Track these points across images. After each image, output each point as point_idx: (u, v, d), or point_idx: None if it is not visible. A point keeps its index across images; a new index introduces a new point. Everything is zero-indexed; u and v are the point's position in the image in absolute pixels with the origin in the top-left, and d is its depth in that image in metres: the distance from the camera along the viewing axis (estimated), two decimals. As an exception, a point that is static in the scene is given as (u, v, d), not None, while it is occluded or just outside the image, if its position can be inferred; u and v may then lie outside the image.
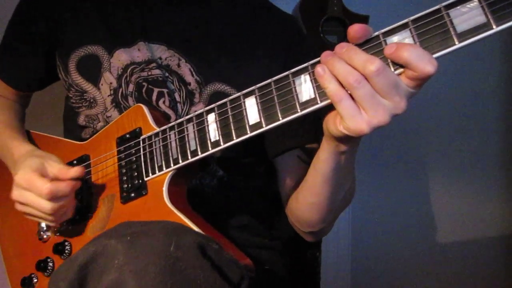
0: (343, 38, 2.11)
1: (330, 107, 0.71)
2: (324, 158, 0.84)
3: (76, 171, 0.93)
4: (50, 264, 1.01)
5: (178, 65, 1.06)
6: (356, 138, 0.74)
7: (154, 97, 1.04)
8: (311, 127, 1.08)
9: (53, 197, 0.88)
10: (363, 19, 2.13)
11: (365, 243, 2.36)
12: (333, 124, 0.72)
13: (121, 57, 1.05)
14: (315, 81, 0.71)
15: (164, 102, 1.04)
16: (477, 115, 2.48)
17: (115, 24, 1.08)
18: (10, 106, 1.21)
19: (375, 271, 2.38)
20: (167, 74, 1.05)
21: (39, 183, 0.88)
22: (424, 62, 0.62)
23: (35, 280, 1.04)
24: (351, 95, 0.66)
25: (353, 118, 0.67)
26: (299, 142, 1.07)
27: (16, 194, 0.91)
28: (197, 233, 0.76)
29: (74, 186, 0.92)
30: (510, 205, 2.49)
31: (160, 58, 1.06)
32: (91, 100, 1.08)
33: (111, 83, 1.05)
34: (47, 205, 0.89)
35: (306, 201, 0.98)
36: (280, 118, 0.73)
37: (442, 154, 2.48)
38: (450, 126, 2.47)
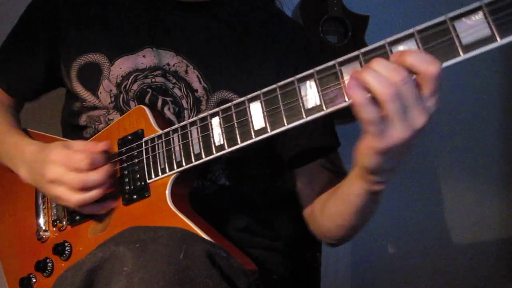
0: (343, 38, 2.11)
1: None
2: (358, 193, 0.85)
3: (106, 143, 0.92)
4: (49, 264, 1.00)
5: (186, 72, 1.05)
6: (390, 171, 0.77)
7: (159, 103, 1.04)
8: (332, 132, 1.12)
9: (93, 166, 0.88)
10: (363, 19, 2.13)
11: (365, 243, 2.36)
12: (366, 150, 0.72)
13: (123, 64, 1.05)
14: (320, 88, 0.71)
15: (169, 109, 1.04)
16: (477, 116, 2.49)
17: (119, 31, 1.08)
18: (8, 109, 1.20)
19: (375, 271, 2.39)
20: (174, 80, 1.05)
21: (77, 156, 0.88)
22: (426, 63, 0.63)
23: (34, 281, 1.03)
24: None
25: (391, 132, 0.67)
26: (323, 153, 1.09)
27: (51, 172, 0.89)
28: (206, 240, 0.76)
29: (107, 167, 0.91)
30: (510, 206, 2.50)
31: (168, 64, 1.05)
32: (93, 107, 1.08)
33: (111, 90, 1.05)
34: (77, 178, 0.87)
35: (333, 221, 0.99)
36: (286, 124, 0.74)
37: (442, 154, 2.48)
38: (451, 127, 2.47)
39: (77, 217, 1.00)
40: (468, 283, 2.48)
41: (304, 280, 1.39)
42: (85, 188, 0.88)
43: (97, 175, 0.88)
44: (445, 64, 0.62)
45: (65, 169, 0.88)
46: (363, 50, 0.68)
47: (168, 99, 1.05)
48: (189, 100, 1.05)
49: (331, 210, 0.98)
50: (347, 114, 2.15)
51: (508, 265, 2.48)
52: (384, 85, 0.64)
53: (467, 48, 0.60)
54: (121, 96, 1.05)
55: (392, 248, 2.42)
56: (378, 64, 0.65)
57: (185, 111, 1.05)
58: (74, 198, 0.89)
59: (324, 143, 1.10)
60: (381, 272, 2.40)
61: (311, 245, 1.44)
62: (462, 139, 2.48)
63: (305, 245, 1.41)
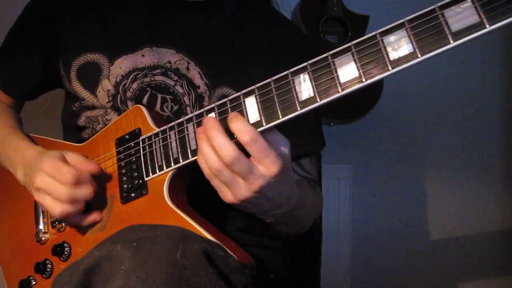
0: (343, 38, 2.12)
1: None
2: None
3: (95, 166, 0.94)
4: (49, 266, 1.00)
5: (187, 69, 1.07)
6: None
7: (158, 102, 1.05)
8: (318, 135, 1.15)
9: (76, 183, 0.89)
10: (363, 19, 2.14)
11: (365, 243, 2.36)
12: None
13: (123, 64, 1.06)
14: (314, 80, 0.72)
15: (167, 107, 1.05)
16: (476, 114, 2.50)
17: (119, 31, 1.09)
18: (10, 111, 1.22)
19: (375, 271, 2.39)
20: (176, 78, 1.06)
21: (65, 169, 0.89)
22: (240, 132, 0.74)
23: (34, 283, 1.03)
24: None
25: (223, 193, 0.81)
26: (298, 154, 1.13)
27: (39, 180, 0.91)
28: (203, 239, 0.76)
29: (93, 184, 0.93)
30: (508, 204, 2.50)
31: (169, 62, 1.07)
32: (91, 106, 1.09)
33: (108, 90, 1.06)
34: (65, 191, 0.89)
35: None
36: (280, 117, 0.75)
37: (442, 154, 2.48)
38: (449, 125, 2.48)
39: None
40: (468, 282, 2.48)
41: (304, 280, 1.39)
42: (72, 202, 0.90)
43: (86, 190, 0.90)
44: (437, 51, 0.62)
45: (53, 180, 0.89)
46: (355, 41, 0.68)
47: (168, 97, 1.06)
48: (191, 97, 1.06)
49: None
50: (346, 114, 2.16)
51: (508, 264, 2.48)
52: (209, 164, 0.77)
53: (456, 35, 0.61)
54: (119, 96, 1.06)
55: (392, 248, 2.42)
56: (212, 139, 0.76)
57: (188, 107, 1.06)
58: (57, 209, 0.90)
59: (308, 145, 1.16)
60: (381, 272, 2.40)
61: (311, 245, 1.43)
62: (461, 139, 2.49)
63: (304, 245, 1.41)
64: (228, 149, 0.75)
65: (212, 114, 0.83)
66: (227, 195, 0.81)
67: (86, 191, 0.90)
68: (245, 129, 0.74)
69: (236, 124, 0.75)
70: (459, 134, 2.48)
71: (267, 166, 0.75)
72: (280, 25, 1.20)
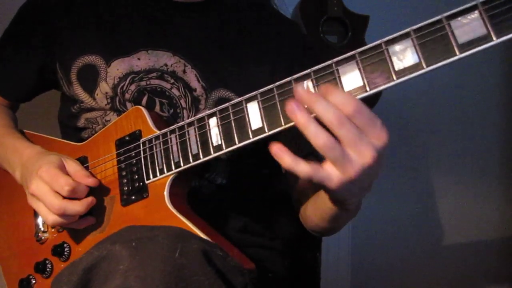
0: (343, 38, 2.11)
1: None
2: (330, 207, 0.84)
3: (94, 180, 0.93)
4: (49, 265, 1.00)
5: (184, 71, 1.06)
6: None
7: (157, 105, 1.05)
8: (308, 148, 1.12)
9: (72, 195, 0.89)
10: (363, 19, 2.13)
11: (365, 243, 2.36)
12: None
13: (120, 66, 1.05)
14: (317, 87, 0.71)
15: (165, 109, 1.05)
16: (477, 115, 2.49)
17: (115, 34, 1.08)
18: (5, 111, 1.22)
19: (375, 271, 2.39)
20: (172, 81, 1.05)
21: (63, 179, 0.88)
22: (342, 105, 0.64)
23: (33, 282, 1.03)
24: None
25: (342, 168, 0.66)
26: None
27: (34, 186, 0.90)
28: (202, 239, 0.76)
29: (88, 199, 0.92)
30: (509, 206, 2.50)
31: (166, 65, 1.06)
32: (90, 108, 1.08)
33: (106, 93, 1.05)
34: (57, 203, 0.88)
35: (312, 220, 1.00)
36: (283, 123, 0.74)
37: (442, 155, 2.48)
38: (450, 127, 2.48)
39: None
40: (467, 282, 2.48)
41: (303, 280, 1.39)
42: (62, 215, 0.89)
43: (78, 207, 0.89)
44: (443, 63, 0.62)
45: (48, 188, 0.89)
46: (359, 49, 0.67)
47: (164, 101, 1.05)
48: (187, 100, 1.05)
49: (311, 217, 1.00)
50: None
51: (508, 265, 2.49)
52: (318, 142, 0.65)
53: (463, 47, 0.60)
54: (117, 98, 1.06)
55: (392, 248, 2.42)
56: (315, 108, 0.65)
57: (184, 110, 1.05)
58: (50, 218, 0.90)
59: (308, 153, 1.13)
60: (381, 272, 2.40)
61: (311, 245, 1.43)
62: (464, 140, 2.48)
63: (304, 245, 1.41)
64: (333, 112, 0.64)
65: (214, 119, 0.82)
66: (346, 172, 0.67)
67: (78, 208, 0.89)
68: (347, 100, 0.64)
69: (335, 97, 0.65)
70: (460, 135, 2.48)
71: (376, 136, 0.66)
72: (278, 23, 1.20)
